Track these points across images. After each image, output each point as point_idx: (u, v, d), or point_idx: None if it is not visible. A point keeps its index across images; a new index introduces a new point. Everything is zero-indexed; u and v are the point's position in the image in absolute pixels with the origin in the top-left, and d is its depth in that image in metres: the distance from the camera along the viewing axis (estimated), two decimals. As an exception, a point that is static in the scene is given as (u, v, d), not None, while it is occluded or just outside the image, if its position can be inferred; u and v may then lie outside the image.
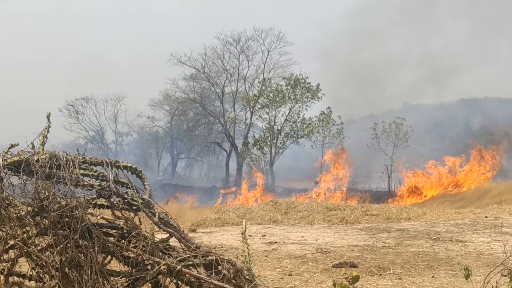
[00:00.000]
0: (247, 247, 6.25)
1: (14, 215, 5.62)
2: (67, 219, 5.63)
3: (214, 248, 12.18)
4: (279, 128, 60.99)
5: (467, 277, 6.05)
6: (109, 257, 5.92)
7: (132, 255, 5.81)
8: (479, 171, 48.86)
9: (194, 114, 69.77)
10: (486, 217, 19.30)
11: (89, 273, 5.61)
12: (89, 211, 5.87)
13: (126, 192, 5.91)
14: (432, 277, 9.52)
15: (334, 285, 5.40)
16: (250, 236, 14.51)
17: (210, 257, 5.90)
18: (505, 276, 6.03)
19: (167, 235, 5.99)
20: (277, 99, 59.91)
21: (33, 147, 5.90)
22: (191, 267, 5.82)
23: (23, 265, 6.02)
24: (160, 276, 5.82)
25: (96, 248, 5.68)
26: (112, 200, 5.87)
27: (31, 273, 5.83)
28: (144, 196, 5.95)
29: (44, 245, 5.77)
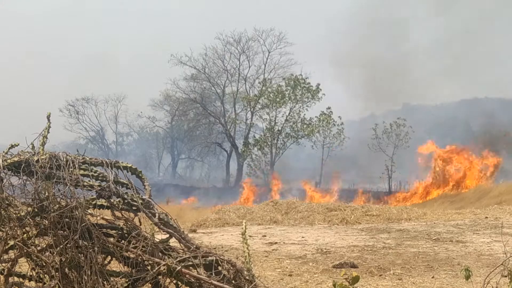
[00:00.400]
0: (247, 248, 6.25)
1: (14, 215, 5.62)
2: (67, 219, 5.63)
3: (214, 248, 12.19)
4: (280, 128, 60.99)
5: (467, 277, 6.04)
6: (109, 257, 5.92)
7: (132, 256, 5.81)
8: (481, 169, 49.03)
9: (194, 114, 69.76)
10: (486, 217, 19.30)
11: (89, 273, 5.61)
12: (89, 211, 5.87)
13: (126, 193, 5.91)
14: (432, 277, 9.52)
15: (334, 285, 5.40)
16: (250, 236, 14.52)
17: (210, 258, 5.90)
18: (505, 276, 6.02)
19: (167, 235, 5.99)
20: (278, 99, 59.92)
21: (33, 147, 5.90)
22: (191, 267, 5.82)
23: (23, 266, 6.02)
24: (160, 277, 5.82)
25: (96, 248, 5.68)
26: (112, 200, 5.87)
27: (31, 273, 5.83)
28: (144, 197, 5.95)
29: (44, 246, 5.77)
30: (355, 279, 5.45)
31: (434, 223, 18.32)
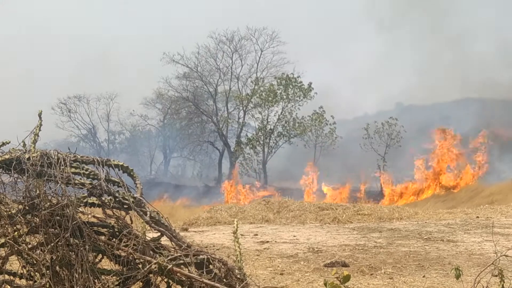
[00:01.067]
0: (239, 246, 6.25)
1: (5, 213, 5.61)
2: (58, 217, 5.63)
3: (206, 247, 12.19)
4: (272, 127, 61.01)
5: (457, 277, 6.07)
6: (100, 255, 5.92)
7: (123, 254, 5.81)
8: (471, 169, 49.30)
9: (187, 113, 69.67)
10: (477, 217, 19.36)
11: (80, 271, 5.61)
12: (80, 209, 5.87)
13: (118, 191, 5.91)
14: (423, 276, 9.55)
15: (325, 284, 5.41)
16: (242, 235, 14.52)
17: (201, 256, 5.90)
18: (496, 276, 6.06)
19: (158, 234, 5.99)
20: (270, 98, 59.96)
21: (24, 145, 5.89)
22: (182, 266, 5.82)
23: (14, 263, 6.00)
24: (151, 275, 5.82)
25: (87, 246, 5.68)
26: (103, 198, 5.87)
27: (21, 271, 5.82)
28: (135, 195, 5.95)
29: (35, 243, 5.77)
30: (346, 278, 5.46)
31: (426, 222, 18.36)
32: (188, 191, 58.37)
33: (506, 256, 6.35)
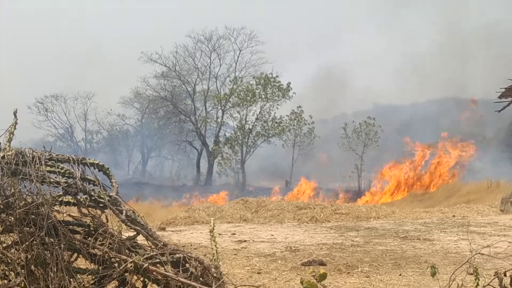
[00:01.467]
0: (215, 245, 6.24)
1: (-21, 212, 5.57)
2: (33, 216, 5.59)
3: (183, 246, 12.16)
4: (251, 127, 61.04)
5: (433, 275, 6.11)
6: (76, 254, 5.88)
7: (98, 253, 5.78)
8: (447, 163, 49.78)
9: (165, 112, 69.47)
10: (453, 216, 19.54)
11: (55, 270, 5.57)
12: (55, 208, 5.83)
13: (93, 190, 5.88)
14: (400, 275, 9.60)
15: (301, 283, 5.42)
16: (219, 234, 14.53)
17: (177, 255, 5.88)
18: (471, 274, 6.10)
19: (135, 232, 5.97)
20: (248, 98, 59.95)
21: (-2, 143, 5.85)
22: (158, 264, 5.80)
23: (-12, 263, 5.95)
24: (126, 274, 5.80)
25: (62, 245, 5.64)
26: (78, 197, 5.83)
27: (-4, 270, 5.78)
28: (111, 194, 5.92)
29: (10, 242, 5.72)
30: (323, 276, 5.47)
31: (402, 221, 18.47)
32: (166, 191, 58.19)
33: (481, 254, 6.40)
